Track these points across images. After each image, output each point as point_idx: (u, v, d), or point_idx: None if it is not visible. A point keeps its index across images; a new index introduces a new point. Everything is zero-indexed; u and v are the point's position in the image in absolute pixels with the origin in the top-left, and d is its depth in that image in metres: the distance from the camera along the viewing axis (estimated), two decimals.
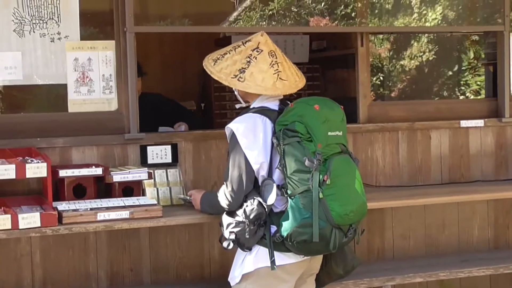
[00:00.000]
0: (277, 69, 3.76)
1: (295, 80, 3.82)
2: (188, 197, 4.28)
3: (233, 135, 3.70)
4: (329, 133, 3.58)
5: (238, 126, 3.69)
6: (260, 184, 3.67)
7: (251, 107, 3.81)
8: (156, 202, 4.16)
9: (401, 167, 5.18)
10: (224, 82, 3.77)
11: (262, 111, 3.72)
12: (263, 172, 3.66)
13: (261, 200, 3.60)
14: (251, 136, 3.65)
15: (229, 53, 3.82)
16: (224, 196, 3.73)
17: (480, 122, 5.34)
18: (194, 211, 4.16)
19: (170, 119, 5.25)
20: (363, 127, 5.10)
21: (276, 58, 3.80)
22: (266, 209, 3.61)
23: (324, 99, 3.73)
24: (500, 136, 5.42)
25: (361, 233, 3.81)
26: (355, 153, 4.95)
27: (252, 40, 3.84)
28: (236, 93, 3.90)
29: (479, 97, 9.59)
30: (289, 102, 3.75)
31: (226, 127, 3.77)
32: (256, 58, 3.76)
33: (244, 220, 3.61)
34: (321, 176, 3.49)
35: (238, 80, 3.72)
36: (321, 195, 3.48)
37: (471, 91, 10.26)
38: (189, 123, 5.28)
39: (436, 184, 5.22)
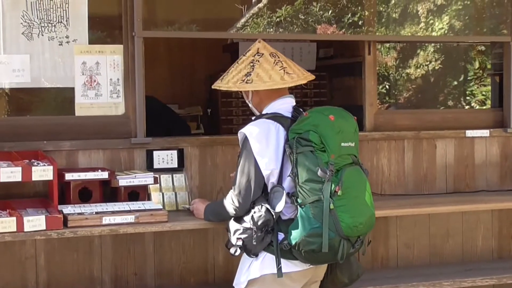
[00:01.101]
0: (281, 66, 3.79)
1: (302, 74, 3.85)
2: (189, 206, 4.29)
3: (245, 139, 3.70)
4: (342, 144, 3.58)
5: (251, 131, 3.69)
6: (269, 191, 3.67)
7: (263, 112, 3.82)
8: (161, 207, 4.17)
9: (406, 175, 5.19)
10: (234, 88, 3.79)
11: (275, 117, 3.72)
12: (273, 179, 3.66)
13: (269, 207, 3.60)
14: (264, 141, 3.65)
15: (233, 67, 3.87)
16: (231, 200, 3.73)
17: (485, 132, 5.35)
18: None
19: (161, 124, 5.24)
20: (369, 135, 5.10)
21: (279, 57, 3.84)
22: (274, 216, 3.61)
23: (338, 109, 3.72)
24: (505, 146, 5.42)
25: (368, 244, 3.82)
26: (361, 161, 4.96)
27: (252, 49, 3.89)
28: (250, 105, 3.91)
29: (484, 107, 9.60)
30: (302, 110, 3.76)
31: (239, 131, 3.77)
32: (259, 61, 3.80)
33: (251, 226, 3.61)
34: (333, 187, 3.50)
35: (246, 83, 3.74)
36: (331, 206, 3.48)
37: (477, 101, 10.27)
38: (179, 131, 5.27)
39: (441, 194, 5.22)
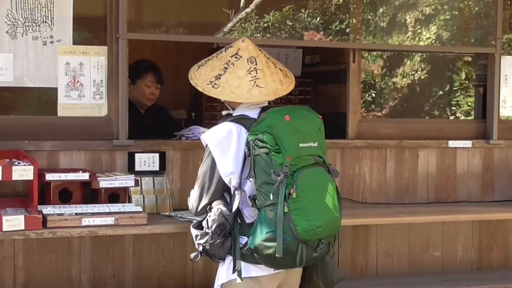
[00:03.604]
0: (254, 76, 3.68)
1: (275, 88, 3.72)
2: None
3: (206, 144, 3.69)
4: (301, 145, 3.49)
5: (211, 136, 3.66)
6: (232, 194, 3.65)
7: (233, 114, 3.75)
8: (141, 210, 4.14)
9: (388, 184, 5.19)
10: (199, 88, 3.72)
11: (239, 119, 3.66)
12: (234, 182, 3.61)
13: (222, 210, 3.57)
14: (223, 146, 3.60)
15: (211, 60, 3.78)
16: (189, 199, 3.74)
17: (468, 143, 5.37)
18: (179, 221, 4.17)
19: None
20: (351, 143, 5.11)
21: (256, 64, 3.72)
22: (228, 219, 3.56)
23: (299, 108, 3.67)
24: (487, 157, 5.44)
25: (338, 247, 3.71)
26: (342, 169, 4.97)
27: (233, 46, 3.78)
28: (222, 99, 3.81)
29: (469, 117, 9.65)
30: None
31: (200, 137, 3.75)
32: (233, 65, 3.70)
33: (208, 231, 3.59)
34: (287, 190, 3.42)
35: (212, 87, 3.67)
36: (286, 209, 3.41)
37: (462, 112, 10.31)
38: None
39: (422, 203, 5.24)
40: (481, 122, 5.59)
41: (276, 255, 3.43)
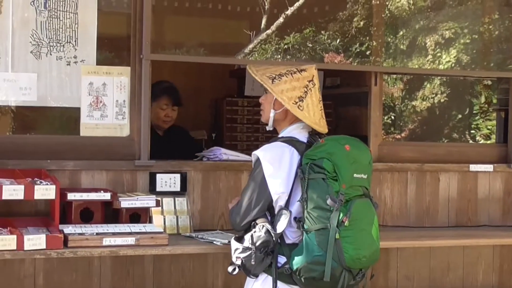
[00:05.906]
0: (321, 107, 3.80)
1: (324, 123, 3.84)
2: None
3: (258, 161, 3.70)
4: (355, 175, 3.58)
5: (265, 154, 3.69)
6: (276, 213, 3.66)
7: (280, 135, 3.82)
8: (162, 230, 4.16)
9: (409, 208, 5.18)
10: (287, 105, 3.72)
11: (291, 141, 3.72)
12: (281, 202, 3.65)
13: (269, 228, 3.60)
14: (277, 164, 3.65)
15: (286, 76, 3.78)
16: (232, 213, 3.77)
17: (489, 167, 5.35)
18: (200, 242, 4.18)
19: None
20: (372, 166, 5.09)
21: (320, 96, 3.82)
22: (274, 238, 3.60)
23: (354, 139, 3.72)
24: (508, 182, 5.41)
25: (370, 278, 3.82)
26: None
27: (307, 71, 3.82)
28: (271, 114, 3.80)
29: (489, 141, 9.61)
30: (318, 136, 3.75)
31: (253, 153, 3.77)
32: (311, 90, 3.76)
33: (250, 246, 3.60)
34: (340, 217, 3.49)
35: (298, 107, 3.72)
36: (337, 236, 3.48)
37: (482, 135, 10.27)
38: None
39: (443, 227, 5.21)
40: (503, 146, 5.57)
41: (324, 279, 3.49)
